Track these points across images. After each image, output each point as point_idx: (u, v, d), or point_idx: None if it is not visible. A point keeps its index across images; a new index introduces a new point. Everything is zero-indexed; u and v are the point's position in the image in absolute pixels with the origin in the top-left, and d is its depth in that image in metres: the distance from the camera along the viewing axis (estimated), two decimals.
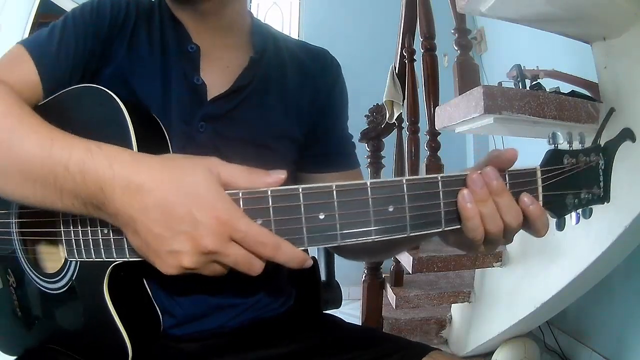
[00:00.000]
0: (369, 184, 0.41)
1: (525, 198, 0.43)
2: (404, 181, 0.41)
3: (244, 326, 0.63)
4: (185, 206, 0.38)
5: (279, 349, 0.63)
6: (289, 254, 0.40)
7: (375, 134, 2.01)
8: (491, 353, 1.69)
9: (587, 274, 1.24)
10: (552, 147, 0.44)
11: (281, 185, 0.41)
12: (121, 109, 0.48)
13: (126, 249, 0.45)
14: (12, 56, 0.55)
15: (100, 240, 0.47)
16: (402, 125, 2.02)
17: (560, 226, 0.46)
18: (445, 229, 0.42)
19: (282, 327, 0.66)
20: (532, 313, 1.44)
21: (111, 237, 0.46)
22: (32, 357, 0.60)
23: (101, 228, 0.46)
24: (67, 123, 0.50)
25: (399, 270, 1.81)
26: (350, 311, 2.40)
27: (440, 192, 0.42)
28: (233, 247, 0.39)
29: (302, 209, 0.40)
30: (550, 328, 1.84)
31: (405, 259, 1.58)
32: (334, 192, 0.40)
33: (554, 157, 0.44)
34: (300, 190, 0.40)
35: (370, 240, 0.41)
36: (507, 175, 0.43)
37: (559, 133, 0.44)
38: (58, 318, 0.56)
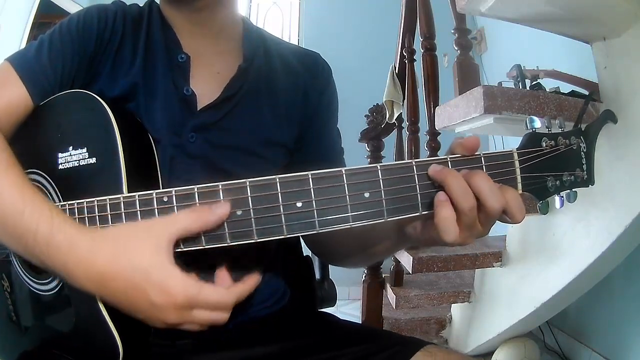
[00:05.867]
0: (343, 171, 0.42)
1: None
2: (379, 167, 0.42)
3: (237, 324, 0.63)
4: (145, 293, 0.42)
5: (273, 347, 0.63)
6: (248, 291, 0.46)
7: (375, 134, 2.00)
8: (491, 353, 1.69)
9: (587, 274, 1.24)
10: (530, 131, 0.44)
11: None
12: (108, 114, 0.50)
13: None
14: (0, 77, 0.55)
15: None
16: (402, 125, 2.02)
17: (544, 209, 0.45)
18: (423, 212, 0.43)
19: (277, 325, 0.66)
20: (532, 313, 1.44)
21: None
22: None
23: (91, 225, 0.47)
24: (58, 127, 0.53)
25: (399, 270, 1.81)
26: (350, 311, 2.40)
27: (416, 176, 0.42)
28: (195, 314, 0.43)
29: (280, 197, 0.41)
30: (550, 328, 1.84)
31: (405, 259, 1.57)
32: (310, 179, 0.41)
33: (531, 140, 0.44)
34: (278, 179, 0.42)
35: (348, 227, 0.42)
36: (482, 158, 0.43)
37: (535, 117, 0.44)
38: (51, 320, 0.56)
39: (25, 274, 0.58)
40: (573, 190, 0.45)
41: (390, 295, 1.83)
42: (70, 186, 0.52)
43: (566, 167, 0.45)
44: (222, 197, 0.42)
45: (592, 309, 1.69)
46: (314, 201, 0.41)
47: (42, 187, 0.55)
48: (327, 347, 0.62)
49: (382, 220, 0.42)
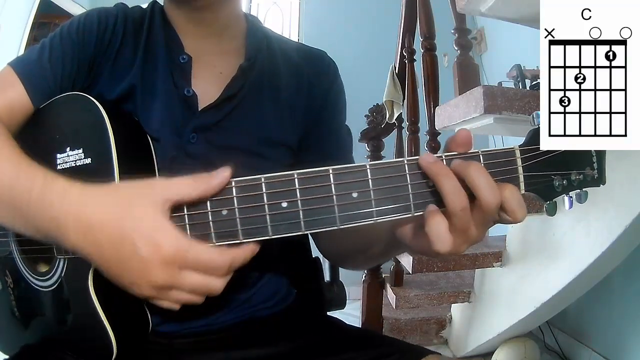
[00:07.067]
0: (330, 170, 0.40)
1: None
2: (368, 166, 0.40)
3: (236, 323, 0.63)
4: (132, 244, 0.39)
5: (272, 348, 0.62)
6: (243, 258, 0.42)
7: (375, 134, 2.00)
8: (491, 353, 1.69)
9: (587, 274, 1.24)
10: (536, 127, 0.41)
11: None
12: (102, 115, 0.50)
13: None
14: (2, 80, 0.57)
15: None
16: (402, 125, 2.02)
17: (551, 211, 0.43)
18: (415, 214, 0.40)
19: (277, 326, 0.66)
20: (532, 313, 1.44)
21: None
22: (28, 354, 0.60)
23: None
24: (56, 128, 0.55)
25: (399, 270, 1.81)
26: (350, 311, 2.39)
27: (407, 176, 0.40)
28: (185, 276, 0.40)
29: (265, 197, 0.40)
30: (550, 328, 1.84)
31: (405, 259, 1.57)
32: (296, 179, 0.40)
33: (536, 136, 0.41)
34: (263, 179, 0.41)
35: (336, 229, 0.40)
36: (481, 156, 0.41)
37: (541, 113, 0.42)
38: (50, 315, 0.57)
39: (26, 270, 0.58)
40: (583, 190, 0.42)
41: (390, 295, 1.83)
42: None
43: (575, 165, 0.42)
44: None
45: (592, 309, 1.69)
46: (299, 201, 0.40)
47: None
48: (325, 350, 0.62)
49: (372, 222, 0.40)
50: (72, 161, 0.52)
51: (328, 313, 0.79)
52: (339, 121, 0.71)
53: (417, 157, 0.41)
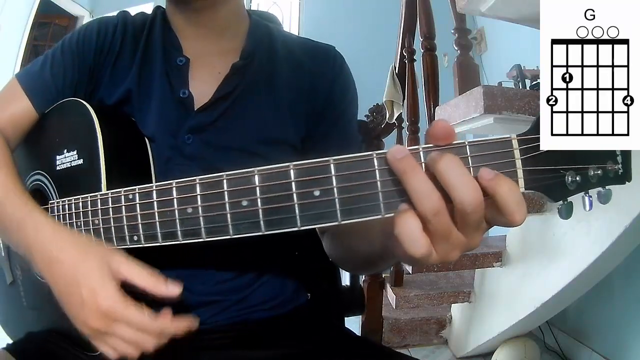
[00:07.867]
0: (291, 166, 0.37)
1: (484, 172, 0.33)
2: (332, 161, 0.36)
3: (230, 324, 0.62)
4: (77, 286, 0.45)
5: (269, 351, 0.61)
6: (173, 330, 0.46)
7: (375, 134, 2.01)
8: (491, 353, 1.69)
9: (587, 274, 1.24)
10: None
11: None
12: (93, 118, 0.54)
13: (102, 238, 0.49)
14: (8, 92, 0.61)
15: (83, 230, 0.51)
16: (402, 125, 2.03)
17: (566, 213, 0.36)
18: (386, 215, 0.35)
19: (277, 328, 0.64)
20: (532, 313, 1.44)
21: (83, 228, 0.50)
22: (29, 340, 0.63)
23: (76, 220, 0.51)
24: (56, 132, 0.60)
25: (399, 270, 1.81)
26: None
27: (377, 172, 0.35)
28: (118, 328, 0.45)
29: (226, 196, 0.39)
30: (550, 328, 1.84)
31: None
32: (256, 177, 0.38)
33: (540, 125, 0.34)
34: (225, 176, 0.39)
35: (297, 229, 0.37)
36: (468, 147, 0.34)
37: None
38: (53, 306, 0.58)
39: None
40: (606, 187, 0.35)
41: (390, 295, 1.83)
42: (64, 185, 0.57)
43: (594, 158, 0.35)
44: (174, 195, 0.42)
45: (592, 309, 1.69)
46: (258, 199, 0.38)
47: (43, 185, 0.60)
48: (323, 357, 0.60)
49: (336, 224, 0.36)
50: (68, 162, 0.56)
51: (346, 318, 0.78)
52: (349, 113, 0.68)
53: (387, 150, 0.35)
